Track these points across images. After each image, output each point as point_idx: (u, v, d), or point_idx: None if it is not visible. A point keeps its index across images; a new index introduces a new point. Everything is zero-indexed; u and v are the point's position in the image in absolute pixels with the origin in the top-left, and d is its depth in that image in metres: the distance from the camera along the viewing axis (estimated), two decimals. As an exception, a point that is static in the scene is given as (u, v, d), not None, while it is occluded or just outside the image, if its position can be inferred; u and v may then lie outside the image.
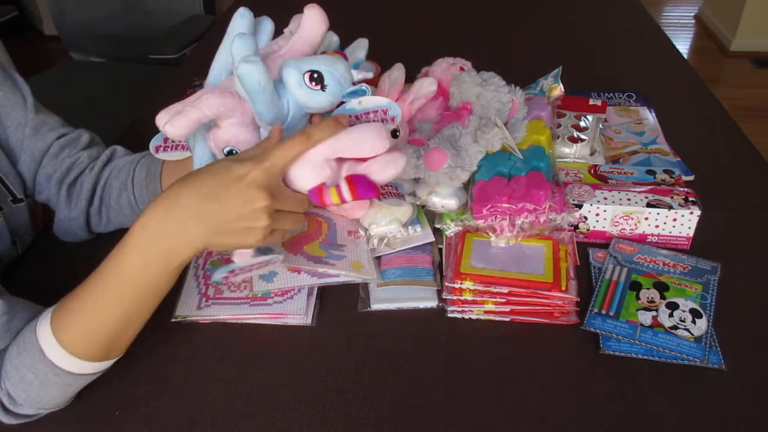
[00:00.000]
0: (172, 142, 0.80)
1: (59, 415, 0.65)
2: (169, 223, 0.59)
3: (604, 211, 0.83)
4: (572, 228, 0.84)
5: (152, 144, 0.81)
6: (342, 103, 0.68)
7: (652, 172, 0.93)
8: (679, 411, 0.65)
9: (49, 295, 0.67)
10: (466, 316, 0.75)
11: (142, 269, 0.60)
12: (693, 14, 3.94)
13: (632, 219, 0.83)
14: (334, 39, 0.83)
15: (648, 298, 0.75)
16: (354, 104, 0.64)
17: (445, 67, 0.96)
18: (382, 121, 0.65)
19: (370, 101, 0.65)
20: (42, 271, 0.85)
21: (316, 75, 0.63)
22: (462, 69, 0.94)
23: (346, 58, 0.69)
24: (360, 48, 0.86)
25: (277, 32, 0.76)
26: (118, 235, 0.82)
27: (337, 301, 0.78)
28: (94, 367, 0.63)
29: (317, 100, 0.65)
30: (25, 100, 0.82)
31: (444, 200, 0.85)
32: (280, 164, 0.61)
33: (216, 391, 0.68)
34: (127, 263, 0.60)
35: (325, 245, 0.82)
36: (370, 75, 0.72)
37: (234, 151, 0.68)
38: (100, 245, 0.88)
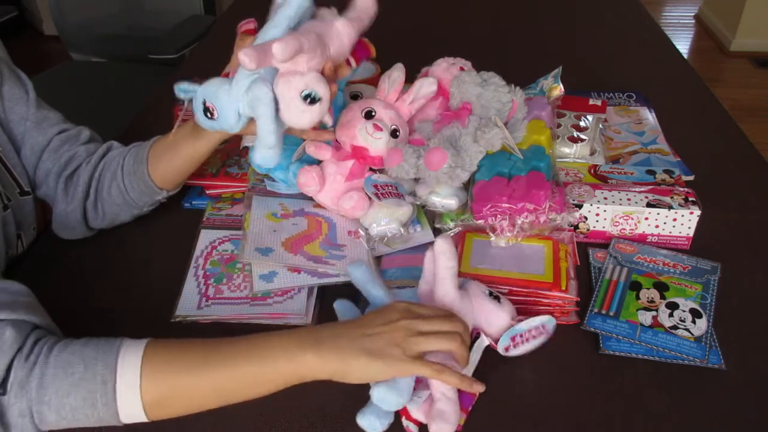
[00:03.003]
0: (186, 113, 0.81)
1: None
2: (321, 335, 0.61)
3: (604, 211, 0.83)
4: (572, 228, 0.84)
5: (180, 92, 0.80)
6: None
7: (652, 172, 0.93)
8: (679, 411, 0.65)
9: (49, 295, 0.67)
10: (466, 316, 0.75)
11: (278, 366, 0.60)
12: (693, 14, 3.94)
13: (632, 219, 0.83)
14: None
15: (648, 298, 0.75)
16: (523, 325, 0.67)
17: (445, 67, 0.95)
18: (539, 333, 0.69)
19: (535, 321, 0.68)
20: (42, 271, 0.85)
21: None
22: (462, 69, 0.94)
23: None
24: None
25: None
26: (115, 234, 0.82)
27: (337, 301, 0.78)
28: (130, 407, 0.58)
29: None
30: (28, 94, 0.83)
31: (444, 200, 0.85)
32: (422, 311, 0.65)
33: (216, 391, 0.67)
34: (271, 353, 0.60)
35: (325, 245, 0.82)
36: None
37: (311, 94, 0.70)
38: (100, 245, 0.88)
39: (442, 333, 0.62)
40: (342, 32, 0.75)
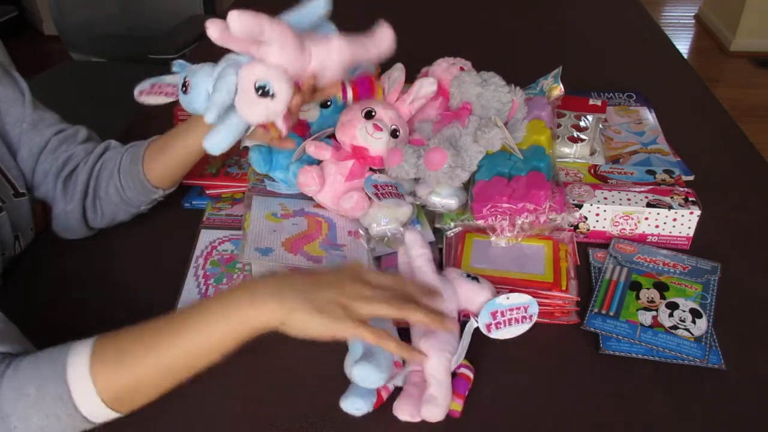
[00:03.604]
0: (159, 88, 0.82)
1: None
2: (261, 288, 0.60)
3: (604, 211, 0.83)
4: (572, 228, 0.84)
5: (137, 89, 0.83)
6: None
7: (652, 172, 0.93)
8: (679, 411, 0.65)
9: (48, 296, 0.68)
10: (466, 316, 0.75)
11: (220, 323, 0.59)
12: (693, 14, 3.94)
13: (632, 219, 0.83)
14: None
15: (648, 298, 0.75)
16: (502, 300, 0.68)
17: (445, 67, 0.96)
18: (522, 318, 0.69)
19: (516, 298, 0.68)
20: (41, 271, 0.85)
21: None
22: (462, 69, 0.94)
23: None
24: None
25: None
26: (115, 235, 0.82)
27: (337, 301, 0.78)
28: (96, 410, 0.58)
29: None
30: (23, 96, 0.83)
31: (444, 200, 0.85)
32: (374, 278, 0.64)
33: (216, 392, 0.67)
34: (204, 315, 0.60)
35: (325, 245, 0.82)
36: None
37: (266, 86, 0.69)
38: (100, 245, 0.88)
39: (392, 300, 0.61)
40: (333, 48, 0.72)
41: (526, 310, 0.68)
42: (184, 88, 0.78)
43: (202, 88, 0.76)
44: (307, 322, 0.59)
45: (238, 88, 0.71)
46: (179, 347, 0.59)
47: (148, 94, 0.83)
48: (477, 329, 0.68)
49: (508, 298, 0.68)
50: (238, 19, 0.63)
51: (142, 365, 0.59)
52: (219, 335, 0.59)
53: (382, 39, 0.74)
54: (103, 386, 0.58)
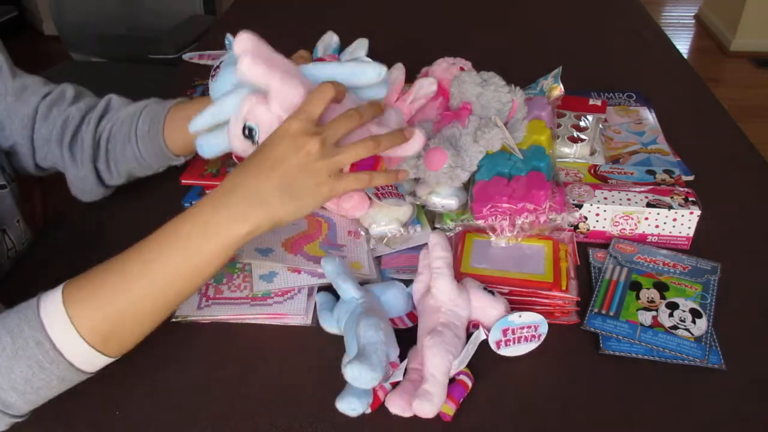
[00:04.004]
0: (207, 59, 0.80)
1: (58, 414, 0.65)
2: (232, 196, 0.58)
3: (604, 211, 0.83)
4: (572, 228, 0.84)
5: (186, 56, 0.81)
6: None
7: (652, 172, 0.93)
8: (679, 411, 0.65)
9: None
10: (466, 316, 0.75)
11: (197, 241, 0.57)
12: (693, 14, 3.94)
13: (632, 219, 0.83)
14: (335, 39, 0.83)
15: (648, 298, 0.75)
16: (514, 318, 0.67)
17: (445, 67, 0.96)
18: (531, 337, 0.69)
19: (527, 317, 0.68)
20: (41, 271, 0.85)
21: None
22: (462, 69, 0.94)
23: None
24: (360, 48, 0.86)
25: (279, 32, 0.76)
26: (115, 234, 0.82)
27: (337, 301, 0.78)
28: (80, 353, 0.56)
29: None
30: (1, 68, 0.80)
31: (444, 200, 0.85)
32: (316, 110, 0.60)
33: (216, 391, 0.68)
34: (179, 231, 0.57)
35: (325, 245, 0.82)
36: None
37: (253, 131, 0.65)
38: (99, 245, 0.88)
39: (357, 144, 0.61)
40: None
41: (536, 329, 0.68)
42: (213, 73, 0.73)
43: (226, 82, 0.71)
44: (296, 210, 0.60)
45: (235, 112, 0.68)
46: (160, 272, 0.57)
47: (198, 60, 0.81)
48: (482, 341, 0.68)
49: (520, 317, 0.67)
50: (247, 68, 0.61)
51: (119, 294, 0.57)
52: (203, 255, 0.58)
53: (412, 143, 0.69)
54: (82, 324, 0.55)
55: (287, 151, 0.58)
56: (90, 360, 0.57)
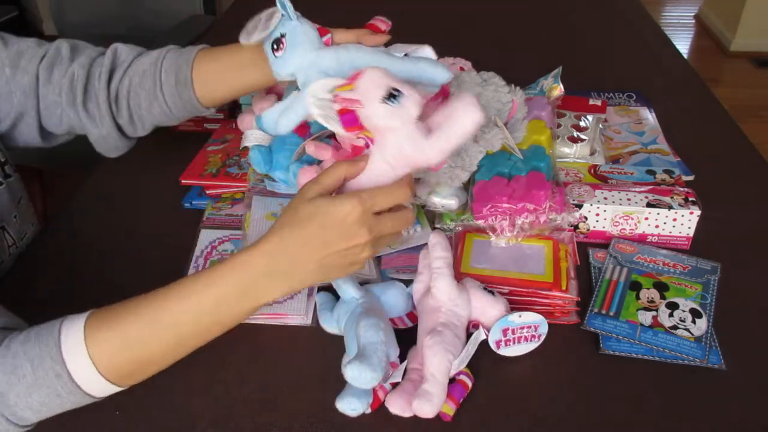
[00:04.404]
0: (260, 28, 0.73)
1: (58, 415, 0.65)
2: (276, 267, 0.59)
3: (604, 211, 0.83)
4: (572, 228, 0.84)
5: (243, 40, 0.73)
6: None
7: (652, 172, 0.93)
8: (679, 411, 0.65)
9: (48, 295, 0.68)
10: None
11: (232, 301, 0.59)
12: (693, 14, 3.94)
13: (632, 219, 0.83)
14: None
15: (648, 298, 0.75)
16: (514, 318, 0.67)
17: (445, 67, 0.95)
18: (531, 337, 0.69)
19: (527, 317, 0.68)
20: (41, 271, 0.85)
21: None
22: (462, 69, 0.94)
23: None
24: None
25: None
26: (115, 234, 0.82)
27: (337, 301, 0.78)
28: (98, 386, 0.58)
29: None
30: None
31: (444, 200, 0.85)
32: (378, 202, 0.60)
33: (216, 391, 0.68)
34: (218, 290, 0.58)
35: (325, 245, 0.82)
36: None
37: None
38: (100, 245, 0.88)
39: (381, 239, 0.61)
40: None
41: (536, 329, 0.68)
42: (276, 46, 0.68)
43: (296, 59, 0.68)
44: (317, 281, 0.62)
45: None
46: (184, 317, 0.58)
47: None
48: (482, 341, 0.68)
49: (520, 317, 0.67)
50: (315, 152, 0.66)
51: (144, 342, 0.58)
52: (231, 313, 0.60)
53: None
54: (103, 364, 0.57)
55: (338, 238, 0.58)
56: (105, 390, 0.59)
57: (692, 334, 0.70)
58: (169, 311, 0.58)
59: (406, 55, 0.70)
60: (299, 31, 0.67)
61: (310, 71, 0.68)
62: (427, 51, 0.73)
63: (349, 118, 0.58)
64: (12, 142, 0.82)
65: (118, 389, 0.60)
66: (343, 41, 0.70)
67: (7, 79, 0.76)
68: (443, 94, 0.93)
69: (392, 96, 0.57)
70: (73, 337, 0.57)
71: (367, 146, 0.61)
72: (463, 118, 0.58)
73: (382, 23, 0.74)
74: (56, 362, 0.56)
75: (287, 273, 0.59)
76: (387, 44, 0.74)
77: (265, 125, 0.72)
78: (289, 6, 0.68)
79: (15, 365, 0.56)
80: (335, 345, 0.70)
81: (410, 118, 0.59)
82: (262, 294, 0.59)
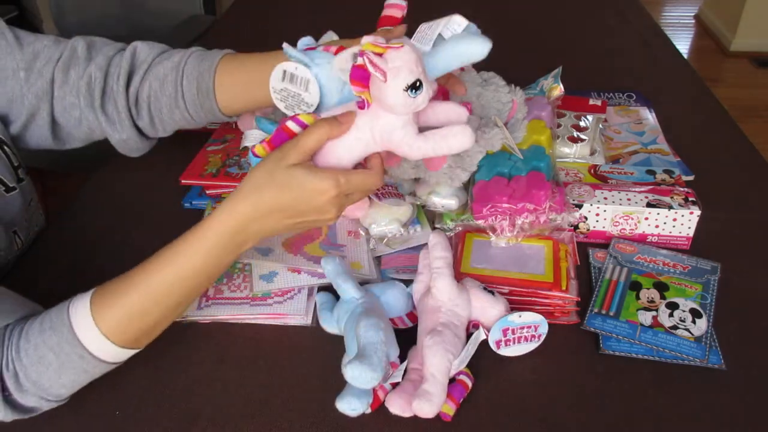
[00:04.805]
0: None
1: (58, 415, 0.65)
2: (250, 225, 0.62)
3: (604, 211, 0.83)
4: (572, 228, 0.84)
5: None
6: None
7: (652, 172, 0.93)
8: (679, 411, 0.65)
9: (48, 295, 0.67)
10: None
11: (214, 258, 0.63)
12: (693, 14, 3.94)
13: (632, 219, 0.83)
14: (334, 38, 0.82)
15: (648, 298, 0.75)
16: (514, 318, 0.68)
17: (445, 67, 0.95)
18: (531, 337, 0.69)
19: (528, 317, 0.68)
20: (42, 271, 0.85)
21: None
22: (462, 69, 0.94)
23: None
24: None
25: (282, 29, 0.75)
26: (115, 234, 0.82)
27: (337, 301, 0.78)
28: (118, 355, 0.63)
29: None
30: (5, 37, 0.76)
31: (444, 200, 0.85)
32: (353, 189, 0.64)
33: (216, 391, 0.68)
34: (201, 251, 0.62)
35: (325, 245, 0.82)
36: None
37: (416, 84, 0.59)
38: (100, 245, 0.88)
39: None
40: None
41: (536, 329, 0.68)
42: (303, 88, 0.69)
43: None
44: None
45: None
46: (168, 279, 0.62)
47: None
48: (482, 341, 0.68)
49: (520, 317, 0.67)
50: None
51: (146, 310, 0.62)
52: (209, 262, 0.63)
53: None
54: (116, 336, 0.61)
55: (309, 211, 0.62)
56: (127, 354, 0.64)
57: (692, 334, 0.70)
58: (163, 281, 0.62)
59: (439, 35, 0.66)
60: (322, 71, 0.68)
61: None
62: (458, 20, 0.68)
63: (362, 75, 0.59)
64: (24, 143, 0.82)
65: (138, 350, 0.65)
66: None
67: (21, 82, 0.76)
68: (443, 95, 0.93)
69: (414, 88, 0.58)
70: (83, 321, 0.60)
71: (362, 107, 0.61)
72: (453, 140, 0.61)
73: (397, 9, 0.73)
74: (75, 346, 0.60)
75: (258, 232, 0.63)
76: (409, 32, 0.71)
77: (264, 125, 0.72)
78: (300, 55, 0.68)
79: (39, 356, 0.60)
80: (335, 345, 0.70)
81: (415, 112, 0.60)
82: (238, 247, 0.64)
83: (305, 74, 0.67)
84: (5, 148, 0.78)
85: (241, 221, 0.62)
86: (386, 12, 0.72)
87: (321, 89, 0.68)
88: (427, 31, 0.66)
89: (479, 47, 0.64)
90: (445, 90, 0.92)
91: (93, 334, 0.60)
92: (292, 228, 0.64)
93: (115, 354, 0.62)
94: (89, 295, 0.62)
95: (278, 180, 0.61)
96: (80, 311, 0.61)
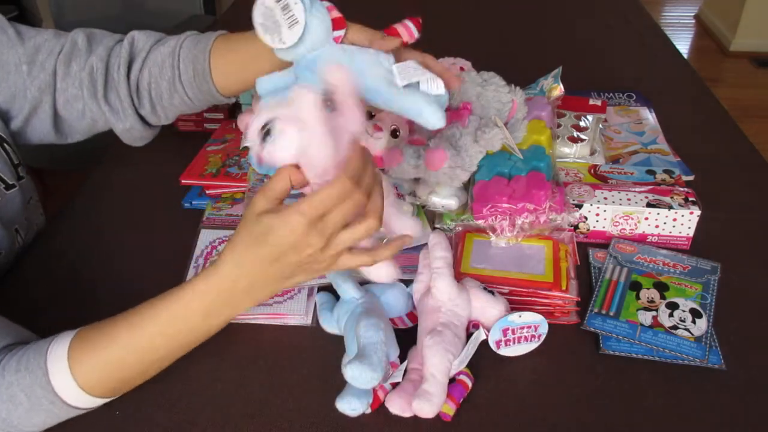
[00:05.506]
0: None
1: (59, 415, 0.65)
2: (236, 284, 0.60)
3: (604, 211, 0.83)
4: (572, 228, 0.84)
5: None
6: None
7: (652, 172, 0.93)
8: (679, 411, 0.65)
9: (48, 295, 0.68)
10: (466, 316, 0.75)
11: (198, 323, 0.62)
12: (693, 14, 3.94)
13: (632, 219, 0.83)
14: None
15: (648, 298, 0.75)
16: (514, 317, 0.67)
17: (445, 67, 0.95)
18: (531, 337, 0.69)
19: (528, 317, 0.68)
20: (42, 271, 0.85)
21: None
22: (462, 69, 0.94)
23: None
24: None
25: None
26: (115, 234, 0.82)
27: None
28: (92, 402, 0.62)
29: None
30: (6, 32, 0.76)
31: (444, 200, 0.85)
32: (319, 205, 0.56)
33: (216, 391, 0.68)
34: (184, 315, 0.61)
35: (325, 245, 0.82)
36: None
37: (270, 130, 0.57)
38: (100, 245, 0.88)
39: (355, 225, 0.58)
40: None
41: (536, 329, 0.68)
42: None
43: (301, 49, 0.66)
44: (284, 288, 0.62)
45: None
46: (154, 338, 0.61)
47: None
48: (482, 341, 0.68)
49: (520, 317, 0.67)
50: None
51: (125, 366, 0.61)
52: (197, 331, 0.62)
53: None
54: (92, 387, 0.60)
55: (290, 251, 0.58)
56: (99, 402, 0.63)
57: (692, 334, 0.70)
58: (145, 336, 0.61)
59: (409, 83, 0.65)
60: (314, 21, 0.65)
61: (305, 71, 0.67)
62: (439, 84, 0.66)
63: None
64: (25, 139, 0.82)
65: (111, 399, 0.64)
66: (354, 41, 0.69)
67: (24, 76, 0.76)
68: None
69: (267, 133, 0.56)
70: (58, 366, 0.59)
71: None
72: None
73: (408, 34, 0.72)
74: (47, 391, 0.59)
75: (248, 290, 0.60)
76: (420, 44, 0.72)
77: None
78: None
79: (10, 395, 0.59)
80: (335, 345, 0.70)
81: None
82: (229, 312, 0.62)
83: (299, 13, 0.64)
84: (5, 145, 0.78)
85: (226, 281, 0.60)
86: (398, 28, 0.71)
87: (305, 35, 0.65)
88: (412, 71, 0.65)
89: (433, 119, 0.64)
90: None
91: (67, 383, 0.59)
92: (289, 277, 0.60)
93: (87, 402, 0.61)
94: (69, 340, 0.60)
95: (254, 232, 0.58)
96: (57, 356, 0.59)
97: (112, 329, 0.61)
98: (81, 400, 0.60)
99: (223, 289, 0.60)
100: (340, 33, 0.68)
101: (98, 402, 0.62)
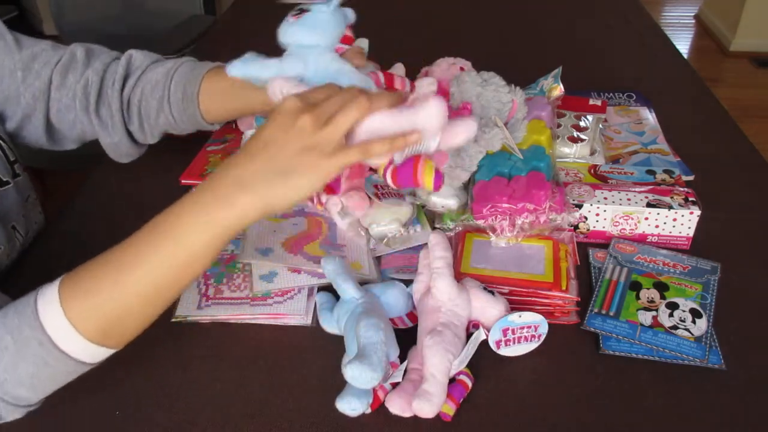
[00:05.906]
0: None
1: (58, 414, 0.65)
2: (221, 181, 0.55)
3: (604, 211, 0.83)
4: (572, 228, 0.84)
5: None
6: None
7: (652, 172, 0.93)
8: (679, 411, 0.65)
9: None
10: (466, 316, 0.75)
11: (186, 230, 0.55)
12: (693, 14, 3.94)
13: (632, 219, 0.83)
14: (364, 44, 0.83)
15: (648, 298, 0.75)
16: (514, 317, 0.67)
17: (445, 67, 0.96)
18: (531, 337, 0.69)
19: (528, 317, 0.68)
20: (42, 271, 0.84)
21: None
22: (462, 69, 0.94)
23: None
24: (360, 46, 0.85)
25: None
26: (115, 234, 0.82)
27: (337, 301, 0.78)
28: (83, 349, 0.56)
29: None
30: (5, 38, 0.77)
31: (444, 200, 0.85)
32: (317, 96, 0.56)
33: (216, 391, 0.68)
34: (172, 221, 0.56)
35: (325, 245, 0.82)
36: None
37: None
38: (100, 244, 0.88)
39: (347, 104, 0.54)
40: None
41: (536, 329, 0.68)
42: (296, 14, 0.71)
43: (304, 38, 0.69)
44: (290, 192, 0.55)
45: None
46: (152, 263, 0.56)
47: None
48: (482, 341, 0.68)
49: (520, 317, 0.67)
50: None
51: (112, 290, 0.56)
52: (197, 245, 0.56)
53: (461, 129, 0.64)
54: (80, 322, 0.55)
55: (277, 130, 0.54)
56: (92, 353, 0.58)
57: (692, 334, 0.70)
58: (130, 253, 0.57)
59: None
60: (325, 19, 0.66)
61: (296, 61, 0.70)
62: (361, 44, 0.72)
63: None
64: (20, 141, 0.83)
65: (105, 350, 0.58)
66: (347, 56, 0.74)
67: (18, 82, 0.77)
68: (443, 95, 0.93)
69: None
70: (49, 303, 0.55)
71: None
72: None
73: (401, 83, 0.79)
74: (35, 329, 0.55)
75: (234, 182, 0.55)
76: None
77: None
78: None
79: None
80: (335, 345, 0.70)
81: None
82: (213, 212, 0.56)
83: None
84: (0, 143, 0.79)
85: (212, 180, 0.56)
86: (395, 73, 0.79)
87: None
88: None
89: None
90: (445, 90, 0.92)
91: (57, 318, 0.54)
92: (287, 169, 0.54)
93: (79, 347, 0.56)
94: (58, 282, 0.58)
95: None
96: (48, 296, 0.56)
97: (108, 258, 0.57)
98: (71, 340, 0.55)
99: (209, 182, 0.56)
100: (344, 47, 0.73)
101: (91, 350, 0.57)
